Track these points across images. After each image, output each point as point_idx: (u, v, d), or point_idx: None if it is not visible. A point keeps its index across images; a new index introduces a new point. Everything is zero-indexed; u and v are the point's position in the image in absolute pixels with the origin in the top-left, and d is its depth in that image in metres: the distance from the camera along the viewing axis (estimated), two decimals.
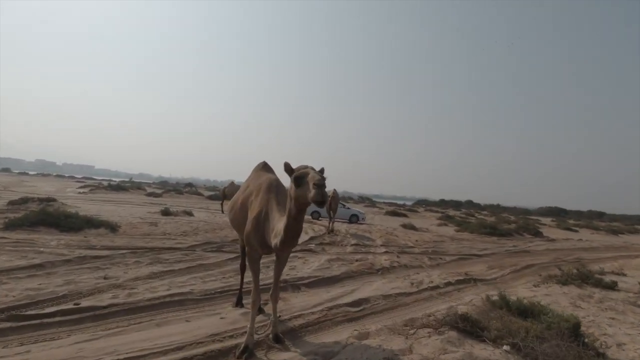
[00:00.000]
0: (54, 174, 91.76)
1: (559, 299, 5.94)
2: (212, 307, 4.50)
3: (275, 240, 3.09)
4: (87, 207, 16.45)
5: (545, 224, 34.56)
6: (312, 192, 2.68)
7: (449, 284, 6.91)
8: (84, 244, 7.66)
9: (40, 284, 4.70)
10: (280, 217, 3.17)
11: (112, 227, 9.81)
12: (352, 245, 10.96)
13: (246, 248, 3.52)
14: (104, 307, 4.09)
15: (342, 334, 3.95)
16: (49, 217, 9.42)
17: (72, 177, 75.26)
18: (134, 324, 3.82)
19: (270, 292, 3.69)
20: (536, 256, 12.77)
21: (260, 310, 4.31)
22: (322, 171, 2.97)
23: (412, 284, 6.61)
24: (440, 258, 10.20)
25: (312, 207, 18.00)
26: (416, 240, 13.73)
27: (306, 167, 2.94)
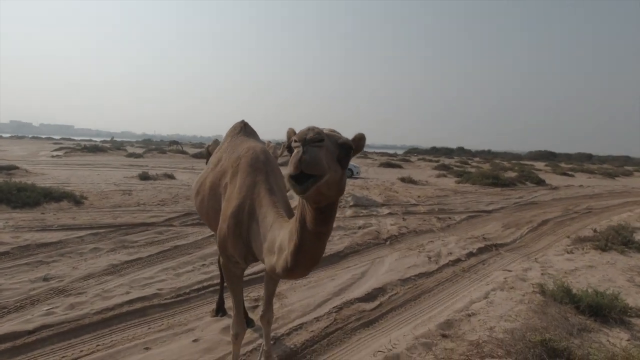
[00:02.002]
0: (30, 135, 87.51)
1: (610, 274, 5.01)
2: (185, 317, 3.40)
3: (275, 262, 1.77)
4: (56, 173, 14.93)
5: (540, 169, 34.17)
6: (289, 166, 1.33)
7: (470, 254, 5.95)
8: (37, 224, 6.39)
9: None
10: (278, 217, 1.92)
11: (76, 200, 8.49)
12: (350, 207, 9.91)
13: (220, 258, 2.30)
14: (30, 333, 2.95)
15: (360, 352, 2.91)
16: None
17: (49, 139, 71.77)
18: (68, 358, 2.70)
19: (261, 312, 2.56)
20: (546, 208, 12.02)
21: (248, 322, 3.23)
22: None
23: (430, 258, 5.61)
24: (449, 218, 9.26)
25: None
26: (418, 197, 12.77)
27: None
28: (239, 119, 3.00)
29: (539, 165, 46.30)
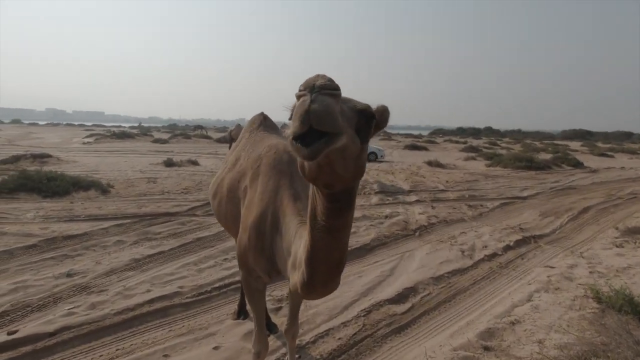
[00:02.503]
0: (64, 122, 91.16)
1: None
2: (206, 320, 3.26)
3: (296, 279, 1.49)
4: (86, 160, 15.37)
5: (576, 150, 32.30)
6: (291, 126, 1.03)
7: (507, 247, 5.54)
8: (66, 214, 6.48)
9: None
10: (301, 226, 1.61)
11: (103, 189, 8.59)
12: (376, 193, 9.57)
13: (241, 272, 2.05)
14: (51, 335, 2.88)
15: None
16: (29, 181, 8.23)
17: (81, 125, 74.53)
18: None
19: (286, 326, 2.35)
20: (585, 193, 11.23)
21: (270, 328, 3.04)
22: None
23: (463, 251, 5.25)
24: (481, 205, 8.77)
25: None
26: (447, 182, 12.23)
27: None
28: (254, 106, 2.72)
29: (574, 145, 43.82)
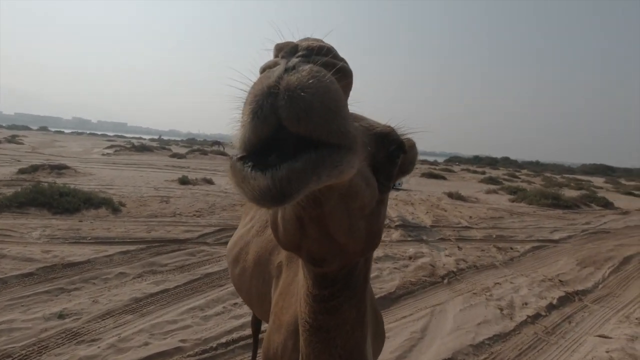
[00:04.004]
0: (88, 132, 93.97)
1: None
2: None
3: None
4: (103, 174, 15.31)
5: (600, 187, 31.07)
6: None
7: (550, 307, 4.91)
8: (72, 235, 6.17)
9: None
10: None
11: (114, 207, 8.32)
12: (396, 227, 9.01)
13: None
14: None
15: None
16: (41, 195, 8.03)
17: (104, 135, 76.54)
18: None
19: None
20: (621, 239, 10.43)
21: None
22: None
23: (501, 309, 4.64)
24: (511, 248, 8.11)
25: None
26: (470, 217, 11.58)
27: None
28: None
29: (597, 181, 42.33)
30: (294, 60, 0.48)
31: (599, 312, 4.96)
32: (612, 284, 6.33)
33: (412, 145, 0.84)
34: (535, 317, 4.53)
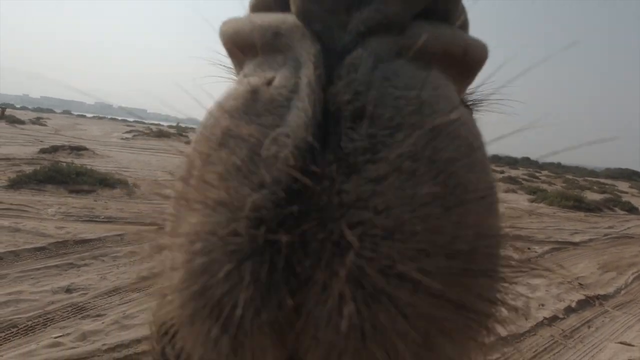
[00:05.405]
0: (109, 117, 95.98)
1: None
2: None
3: None
4: (121, 157, 15.59)
5: (624, 192, 29.90)
6: None
7: (569, 310, 4.69)
8: (86, 213, 6.25)
9: None
10: None
11: (129, 189, 8.41)
12: None
13: None
14: None
15: None
16: (59, 174, 8.18)
17: (124, 121, 77.99)
18: None
19: None
20: None
21: None
22: None
23: (517, 309, 4.46)
24: (528, 248, 7.81)
25: None
26: None
27: None
28: None
29: (622, 185, 40.78)
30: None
31: (621, 319, 4.71)
32: (635, 290, 6.04)
33: None
34: (553, 320, 4.35)
